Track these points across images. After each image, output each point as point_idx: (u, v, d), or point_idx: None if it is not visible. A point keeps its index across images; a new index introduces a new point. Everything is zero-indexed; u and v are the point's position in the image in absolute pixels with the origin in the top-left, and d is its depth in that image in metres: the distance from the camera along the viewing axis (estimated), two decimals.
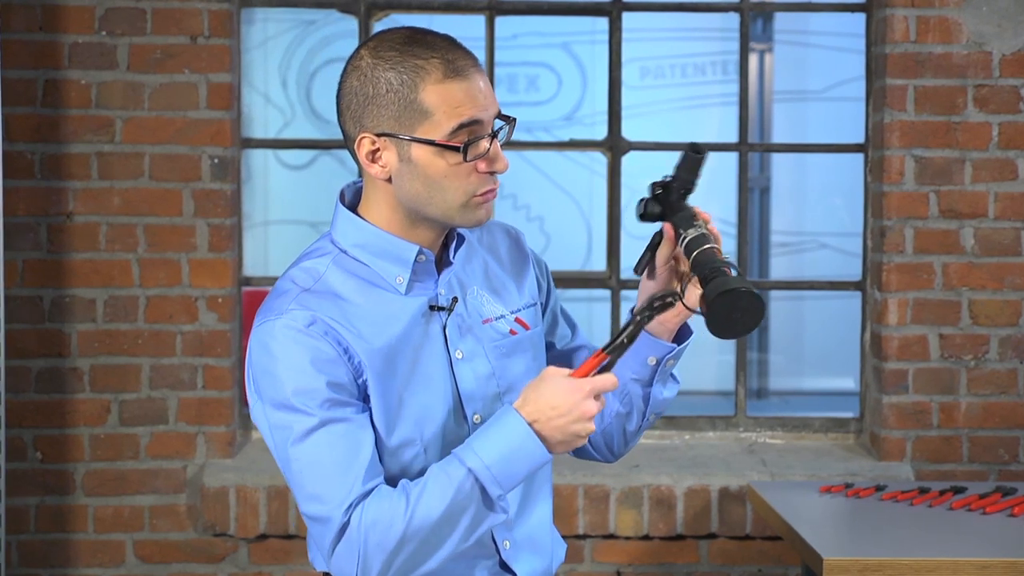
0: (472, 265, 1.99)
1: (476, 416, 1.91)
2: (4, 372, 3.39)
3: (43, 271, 3.62)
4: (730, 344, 4.83)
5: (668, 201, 1.93)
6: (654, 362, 1.97)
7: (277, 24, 6.19)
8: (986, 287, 3.68)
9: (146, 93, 3.61)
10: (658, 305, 1.79)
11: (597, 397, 1.78)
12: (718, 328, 1.82)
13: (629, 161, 3.90)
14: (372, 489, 1.79)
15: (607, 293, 3.93)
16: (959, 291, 3.68)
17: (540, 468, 1.81)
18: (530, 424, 1.77)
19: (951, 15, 3.64)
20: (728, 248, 1.91)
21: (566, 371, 1.79)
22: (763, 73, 6.49)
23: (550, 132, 6.38)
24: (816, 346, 6.63)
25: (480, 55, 3.62)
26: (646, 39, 6.14)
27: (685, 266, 1.92)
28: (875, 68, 3.76)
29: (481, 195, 1.85)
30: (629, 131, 3.90)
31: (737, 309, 1.80)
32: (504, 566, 1.95)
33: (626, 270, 3.76)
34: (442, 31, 1.88)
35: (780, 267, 6.62)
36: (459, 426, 1.90)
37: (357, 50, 1.88)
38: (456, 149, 1.82)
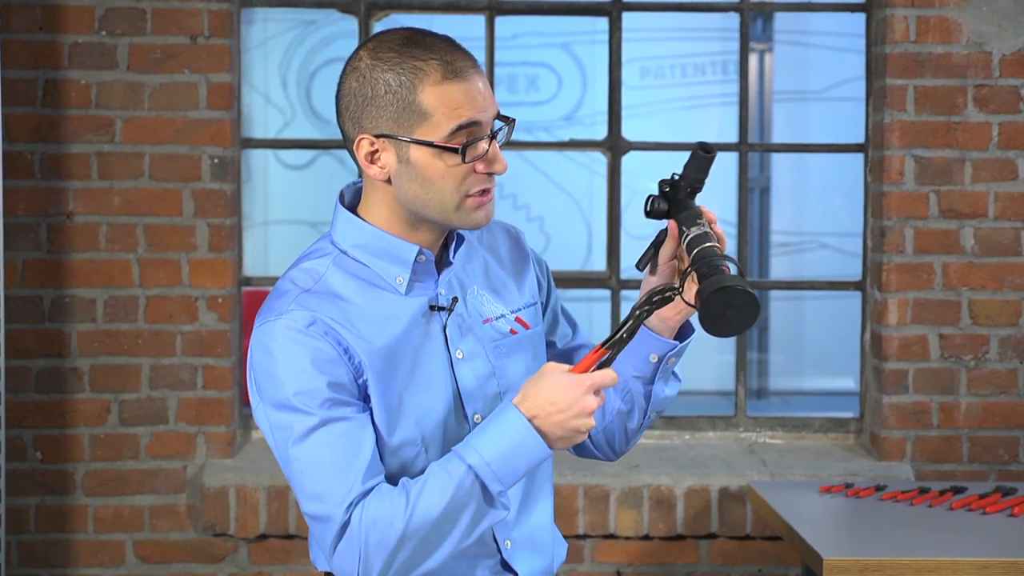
0: (472, 265, 1.99)
1: (477, 416, 1.91)
2: (4, 372, 3.39)
3: (43, 271, 3.62)
4: (730, 344, 4.84)
5: (675, 199, 1.94)
6: (656, 359, 1.97)
7: (277, 24, 6.19)
8: (986, 287, 3.68)
9: (146, 93, 3.61)
10: (657, 299, 1.79)
11: (597, 393, 1.78)
12: (711, 325, 1.81)
13: (629, 161, 3.90)
14: (372, 488, 1.79)
15: (607, 293, 3.93)
16: (959, 291, 3.68)
17: (540, 464, 1.81)
18: (530, 420, 1.77)
19: (951, 15, 3.64)
20: (729, 248, 1.91)
21: (566, 367, 1.79)
22: (763, 73, 6.49)
23: (550, 132, 6.39)
24: (816, 346, 6.64)
25: (480, 55, 3.63)
26: (646, 39, 6.14)
27: (687, 264, 1.92)
28: (875, 68, 3.76)
29: (476, 194, 1.85)
30: (629, 131, 3.90)
31: (731, 307, 1.80)
32: (505, 565, 1.96)
33: (626, 270, 3.76)
34: (442, 31, 1.88)
35: (780, 267, 6.63)
36: (460, 425, 1.90)
37: (356, 51, 1.88)
38: (455, 151, 1.82)
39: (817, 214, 6.62)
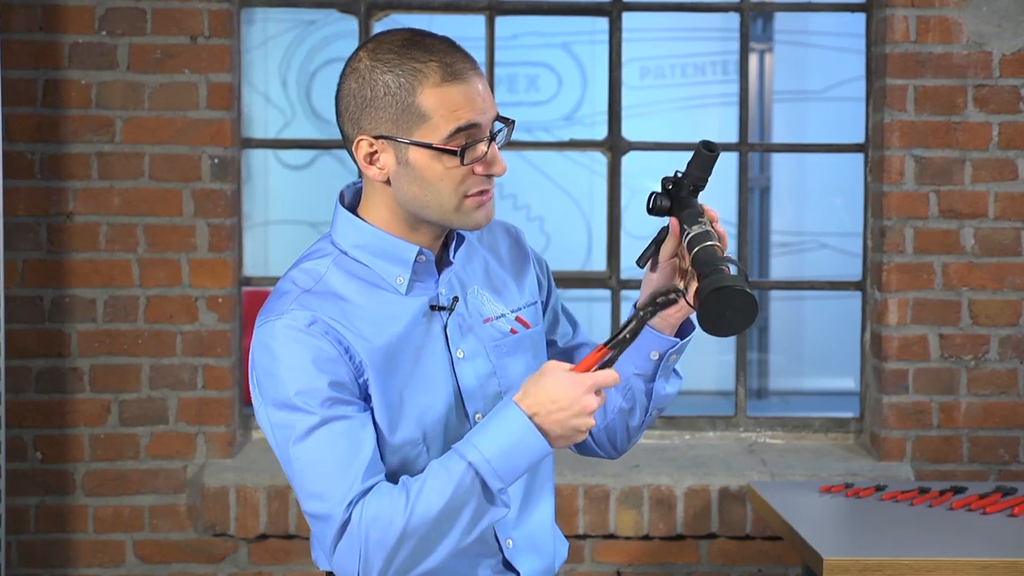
0: (472, 264, 1.99)
1: (478, 415, 1.92)
2: (4, 372, 3.39)
3: (43, 271, 3.63)
4: (730, 344, 4.84)
5: (677, 196, 1.94)
6: (657, 357, 1.97)
7: (277, 24, 6.19)
8: (986, 287, 3.68)
9: (146, 93, 3.61)
10: (661, 301, 1.80)
11: (598, 392, 1.78)
12: (710, 325, 1.82)
13: (629, 161, 3.90)
14: (372, 486, 1.80)
15: (607, 293, 3.93)
16: (959, 291, 3.69)
17: (540, 461, 1.81)
18: (530, 417, 1.77)
19: (951, 15, 3.64)
20: (729, 248, 1.91)
21: (567, 365, 1.79)
22: (763, 73, 6.50)
23: (550, 132, 6.39)
24: (816, 346, 6.64)
25: (480, 55, 3.63)
26: (646, 39, 6.14)
27: (688, 262, 1.92)
28: (875, 68, 3.76)
29: (474, 195, 1.85)
30: (629, 131, 3.90)
31: (730, 307, 1.80)
32: (507, 564, 1.96)
33: (626, 270, 3.76)
34: (442, 31, 1.88)
35: (780, 267, 6.63)
36: (461, 425, 1.91)
37: (356, 52, 1.88)
38: (453, 153, 1.82)
39: (817, 214, 6.63)
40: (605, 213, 3.92)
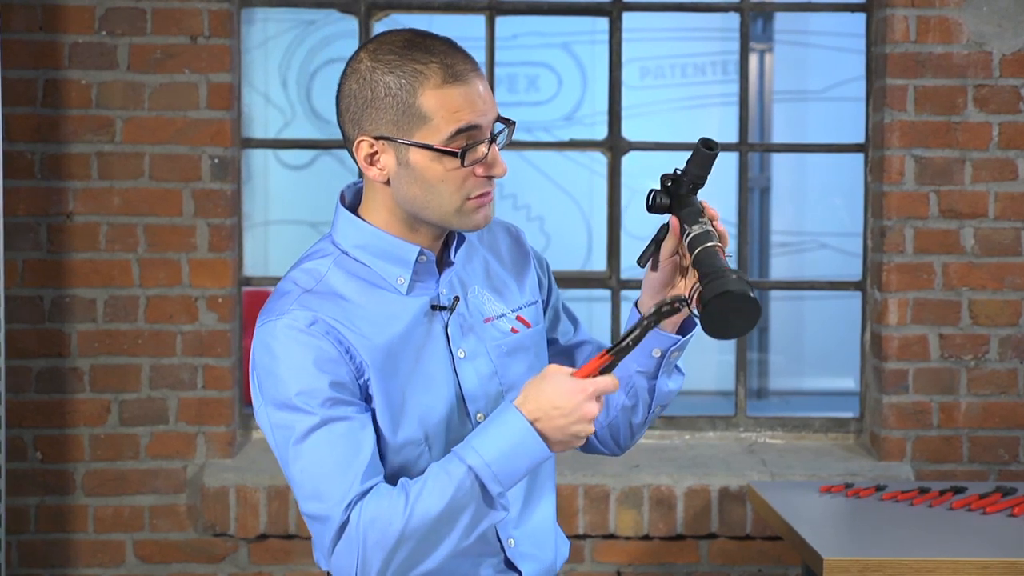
0: (473, 264, 2.00)
1: (479, 415, 1.92)
2: (4, 372, 3.39)
3: (43, 271, 3.63)
4: (730, 344, 4.84)
5: (677, 194, 1.93)
6: (659, 354, 1.97)
7: (277, 24, 6.19)
8: (986, 287, 3.68)
9: (146, 93, 3.61)
10: (666, 310, 1.79)
11: (598, 399, 1.78)
12: (713, 328, 1.82)
13: (629, 161, 3.90)
14: (371, 488, 1.80)
15: (607, 293, 3.93)
16: (959, 291, 3.69)
17: (540, 465, 1.81)
18: (532, 423, 1.77)
19: (951, 15, 3.64)
20: (729, 248, 1.91)
21: (568, 370, 1.79)
22: (763, 73, 6.50)
23: (550, 132, 6.39)
24: (816, 346, 6.64)
25: (480, 55, 3.62)
26: (646, 39, 6.14)
27: (688, 261, 1.92)
28: (875, 68, 3.76)
29: (476, 198, 1.85)
30: (629, 131, 3.90)
31: (732, 311, 1.80)
32: (509, 564, 1.96)
33: (626, 270, 3.77)
34: (442, 31, 1.88)
35: (780, 267, 6.63)
36: (462, 424, 1.91)
37: (357, 52, 1.88)
38: (454, 154, 1.82)
39: (817, 214, 6.63)
40: (605, 213, 3.92)
